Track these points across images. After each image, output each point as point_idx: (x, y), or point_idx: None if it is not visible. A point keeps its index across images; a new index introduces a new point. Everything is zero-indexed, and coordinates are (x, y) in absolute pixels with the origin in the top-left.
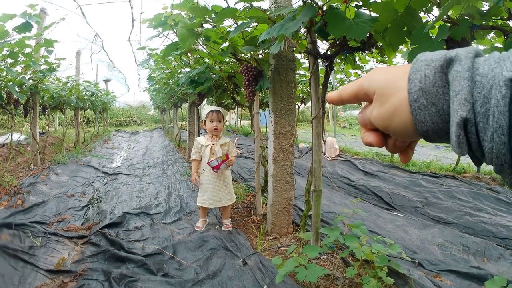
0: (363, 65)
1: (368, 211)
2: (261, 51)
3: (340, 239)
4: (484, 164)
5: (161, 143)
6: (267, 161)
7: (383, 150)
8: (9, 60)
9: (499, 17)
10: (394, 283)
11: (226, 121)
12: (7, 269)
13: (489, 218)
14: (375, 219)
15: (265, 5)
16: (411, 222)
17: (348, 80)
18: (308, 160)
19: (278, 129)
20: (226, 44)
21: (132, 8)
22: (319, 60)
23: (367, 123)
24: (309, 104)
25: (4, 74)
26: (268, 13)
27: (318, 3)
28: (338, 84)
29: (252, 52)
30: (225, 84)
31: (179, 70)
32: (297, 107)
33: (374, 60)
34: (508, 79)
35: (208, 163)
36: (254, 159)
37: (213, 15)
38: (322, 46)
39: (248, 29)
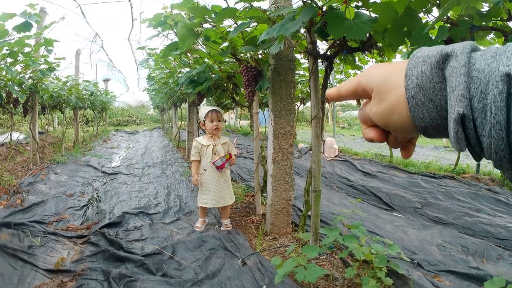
0: (362, 65)
1: (367, 211)
2: (260, 51)
3: (339, 240)
4: (483, 165)
5: (160, 142)
6: (266, 161)
7: (382, 151)
8: (9, 59)
9: (499, 18)
10: (393, 284)
11: (225, 121)
12: (6, 269)
13: (488, 219)
14: (374, 220)
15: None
16: (410, 222)
17: None
18: (307, 161)
19: (278, 129)
20: (225, 44)
21: (132, 7)
22: (319, 60)
23: (367, 119)
24: (308, 104)
25: (3, 73)
26: (268, 13)
27: (318, 3)
28: (338, 85)
29: (251, 52)
30: (225, 84)
31: (179, 70)
32: (296, 107)
33: (374, 60)
34: (505, 74)
35: (213, 162)
36: (253, 159)
37: (213, 15)
38: (322, 46)
39: (248, 29)
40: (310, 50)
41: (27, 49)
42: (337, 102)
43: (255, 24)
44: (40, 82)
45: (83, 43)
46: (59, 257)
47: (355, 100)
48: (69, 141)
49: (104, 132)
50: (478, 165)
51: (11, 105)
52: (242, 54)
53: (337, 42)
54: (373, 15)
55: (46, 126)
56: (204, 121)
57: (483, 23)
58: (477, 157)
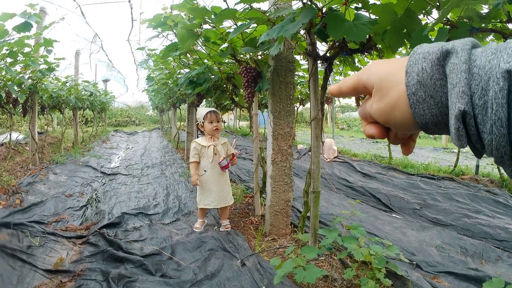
0: (362, 67)
1: (366, 212)
2: (260, 52)
3: (338, 241)
4: (482, 166)
5: (159, 143)
6: (265, 162)
7: (382, 152)
8: (9, 59)
9: (498, 20)
10: (392, 285)
11: (224, 122)
12: (6, 269)
13: (487, 220)
14: (373, 221)
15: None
16: (409, 224)
17: None
18: (307, 162)
19: (277, 130)
20: (225, 45)
21: (131, 8)
22: (318, 62)
23: (368, 116)
24: (307, 105)
25: (3, 73)
26: (267, 14)
27: (318, 4)
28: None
29: (251, 53)
30: (224, 85)
31: (178, 71)
32: (295, 108)
33: None
34: (506, 70)
35: (219, 163)
36: (252, 160)
37: (212, 16)
38: (322, 47)
39: (248, 30)
40: (309, 52)
41: (26, 49)
42: (336, 103)
43: (255, 25)
44: (40, 82)
45: (82, 43)
46: (58, 257)
47: (355, 101)
48: (68, 142)
49: (103, 132)
50: (477, 167)
51: (11, 105)
52: (241, 55)
53: (337, 44)
54: (372, 16)
55: (46, 126)
56: (203, 122)
57: (483, 25)
58: (478, 153)
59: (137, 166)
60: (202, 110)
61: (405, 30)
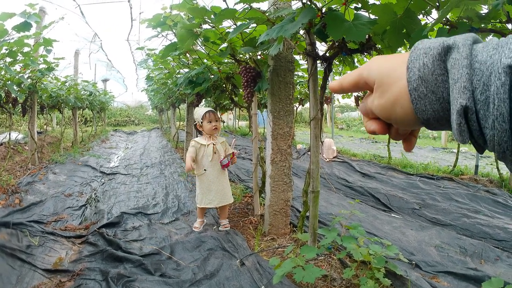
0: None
1: (365, 212)
2: (260, 52)
3: (337, 240)
4: (481, 166)
5: (158, 143)
6: (265, 162)
7: (381, 152)
8: (8, 59)
9: (498, 20)
10: (391, 284)
11: (223, 121)
12: (5, 268)
13: (486, 220)
14: (373, 221)
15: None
16: (408, 223)
17: None
18: (306, 162)
19: (276, 130)
20: (225, 45)
21: (131, 8)
22: (318, 62)
23: (369, 112)
24: (307, 105)
25: (2, 72)
26: (267, 14)
27: (318, 4)
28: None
29: (251, 53)
30: (224, 85)
31: (178, 71)
32: (295, 108)
33: None
34: (507, 65)
35: (220, 161)
36: (252, 160)
37: (212, 16)
38: (321, 47)
39: (247, 30)
40: (309, 52)
41: (26, 49)
42: (335, 103)
43: (255, 25)
44: (39, 82)
45: (82, 43)
46: (57, 257)
47: (354, 101)
48: (67, 141)
49: (102, 132)
50: (477, 167)
51: (10, 104)
52: (241, 55)
53: (336, 44)
54: (372, 16)
55: (45, 126)
56: (201, 122)
57: (482, 25)
58: (480, 149)
59: (136, 165)
60: (200, 110)
61: (404, 30)
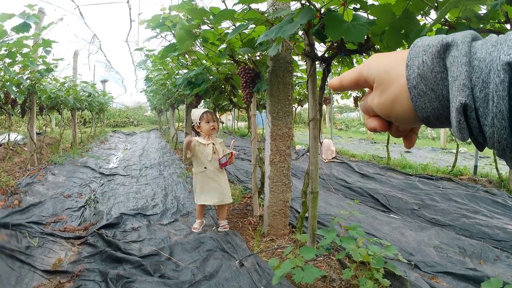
0: None
1: (364, 213)
2: (258, 53)
3: (336, 241)
4: (480, 167)
5: (157, 144)
6: (263, 162)
7: (380, 153)
8: (7, 60)
9: (496, 21)
10: (390, 285)
11: (222, 122)
12: (4, 269)
13: (485, 220)
14: (372, 221)
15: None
16: (407, 224)
17: None
18: (305, 162)
19: (275, 131)
20: (223, 45)
21: (130, 9)
22: (317, 63)
23: (369, 110)
24: (306, 106)
25: (2, 73)
26: (266, 15)
27: (316, 5)
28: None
29: (249, 54)
30: (223, 86)
31: (177, 72)
32: (294, 109)
33: None
34: (506, 63)
35: (219, 160)
36: (250, 161)
37: (211, 17)
38: (320, 48)
39: (246, 31)
40: (308, 52)
41: (25, 50)
42: (334, 104)
43: (253, 26)
44: (38, 83)
45: (81, 44)
46: (56, 258)
47: (353, 102)
48: (66, 142)
49: (101, 133)
50: (476, 167)
51: (9, 105)
52: (240, 56)
53: (335, 44)
54: (371, 17)
55: (44, 127)
56: (199, 123)
57: (481, 26)
58: (480, 146)
59: (135, 166)
60: (197, 111)
61: (403, 30)
